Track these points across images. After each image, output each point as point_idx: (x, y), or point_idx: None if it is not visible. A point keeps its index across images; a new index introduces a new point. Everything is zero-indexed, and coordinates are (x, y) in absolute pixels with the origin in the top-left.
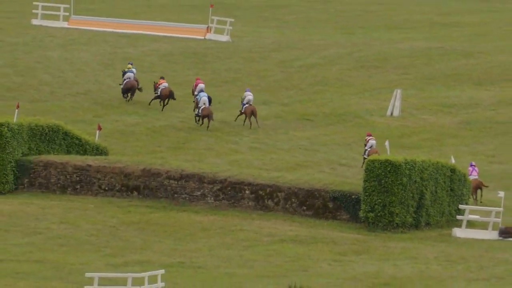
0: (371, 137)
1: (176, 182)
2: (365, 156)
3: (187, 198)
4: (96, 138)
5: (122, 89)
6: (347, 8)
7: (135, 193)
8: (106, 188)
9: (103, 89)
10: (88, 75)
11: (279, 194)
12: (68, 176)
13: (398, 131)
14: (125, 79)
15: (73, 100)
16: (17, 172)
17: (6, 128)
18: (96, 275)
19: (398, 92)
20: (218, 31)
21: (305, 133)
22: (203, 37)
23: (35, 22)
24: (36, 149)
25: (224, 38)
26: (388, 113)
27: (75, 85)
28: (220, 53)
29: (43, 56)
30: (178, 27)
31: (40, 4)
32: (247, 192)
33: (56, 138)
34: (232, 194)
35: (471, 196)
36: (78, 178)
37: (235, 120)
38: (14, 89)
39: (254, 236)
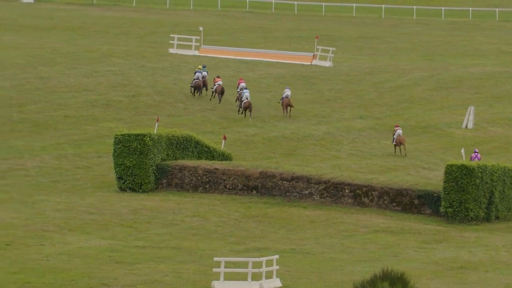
0: (398, 128)
1: (288, 183)
2: (394, 143)
3: (297, 196)
4: (222, 146)
5: (191, 86)
6: (428, 39)
7: (254, 191)
8: (230, 188)
9: (228, 106)
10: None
11: (373, 192)
12: (199, 178)
13: (472, 141)
14: (194, 79)
15: (202, 115)
16: (157, 174)
17: (148, 138)
18: (222, 259)
19: (471, 109)
20: (322, 58)
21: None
22: (309, 63)
23: (171, 51)
24: (173, 155)
25: (327, 63)
26: (463, 125)
27: (204, 103)
28: (324, 76)
29: (178, 79)
30: (289, 55)
31: (176, 36)
32: (346, 191)
33: (189, 146)
34: (334, 192)
35: None
36: (207, 179)
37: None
38: (154, 106)
39: (353, 228)
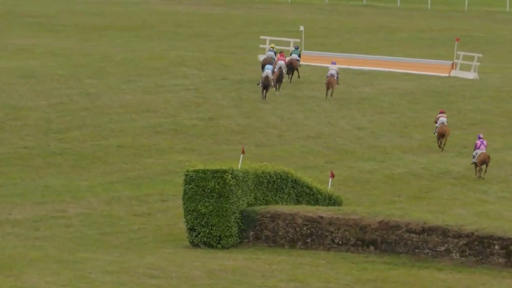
0: (443, 114)
1: (417, 236)
2: (436, 133)
3: (429, 253)
4: (329, 187)
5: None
6: None
7: (372, 247)
8: (340, 242)
9: (337, 132)
10: (320, 116)
11: None
12: (297, 229)
13: None
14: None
15: (302, 144)
16: (241, 224)
17: (230, 176)
18: None
19: None
20: (464, 68)
21: None
22: (447, 74)
23: (261, 58)
24: (263, 199)
25: (471, 75)
26: None
27: (305, 128)
28: (466, 91)
29: (270, 95)
30: (420, 63)
31: (268, 38)
32: (496, 247)
33: (284, 187)
34: (480, 249)
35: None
36: (308, 231)
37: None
38: (238, 132)
39: None
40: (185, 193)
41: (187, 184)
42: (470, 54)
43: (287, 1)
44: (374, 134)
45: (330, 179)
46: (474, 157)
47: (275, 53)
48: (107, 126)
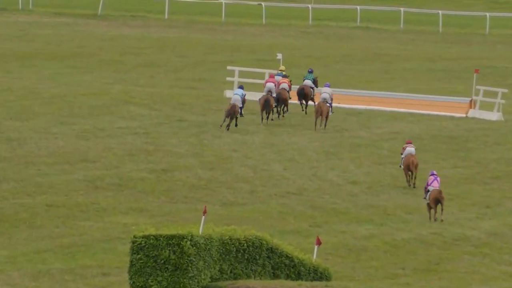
0: (410, 144)
1: None
2: (402, 166)
3: None
4: (314, 256)
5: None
6: None
7: None
8: None
9: (324, 188)
10: (303, 167)
11: None
12: None
13: None
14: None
15: (281, 202)
16: None
17: (188, 243)
18: None
19: None
20: (485, 106)
21: None
22: (464, 115)
23: (228, 94)
24: (231, 272)
25: (494, 115)
26: None
27: (284, 182)
28: (488, 136)
29: (239, 141)
30: (429, 101)
31: (237, 69)
32: None
33: (258, 257)
34: None
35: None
36: None
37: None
38: (200, 187)
39: None
40: (131, 265)
41: (135, 253)
42: (492, 89)
43: (261, 22)
44: (371, 190)
45: (316, 247)
46: (425, 196)
47: (287, 77)
48: (33, 180)
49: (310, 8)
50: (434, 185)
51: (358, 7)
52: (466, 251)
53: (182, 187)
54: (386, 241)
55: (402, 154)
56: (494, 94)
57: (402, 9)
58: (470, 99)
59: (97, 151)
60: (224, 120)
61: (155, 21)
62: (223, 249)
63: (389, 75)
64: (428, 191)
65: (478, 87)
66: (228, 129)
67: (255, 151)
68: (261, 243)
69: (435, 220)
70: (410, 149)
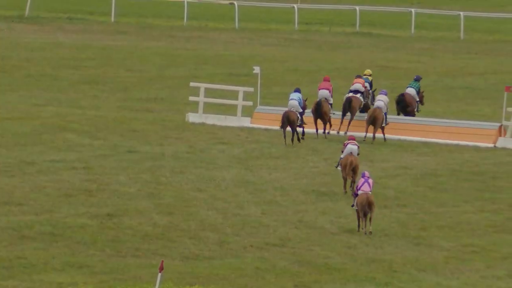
0: (352, 141)
1: None
2: (338, 166)
3: None
4: None
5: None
6: None
7: None
8: None
9: (314, 237)
10: (286, 211)
11: None
12: None
13: None
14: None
15: (259, 256)
16: None
17: None
18: None
19: None
20: None
21: None
22: (491, 145)
23: (192, 118)
24: None
25: None
26: None
27: (263, 230)
28: None
29: (206, 178)
30: (447, 127)
31: (203, 85)
32: None
33: None
34: None
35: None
36: None
37: None
38: (155, 237)
39: None
40: None
41: None
42: None
43: (234, 26)
44: (374, 241)
45: None
46: (354, 203)
47: (371, 84)
48: None
49: (296, 8)
50: (365, 189)
51: (358, 8)
52: None
53: (133, 236)
54: None
55: (342, 152)
56: None
57: (413, 10)
58: (499, 124)
59: (25, 191)
60: (284, 136)
61: (99, 25)
62: None
63: (397, 94)
64: (356, 195)
65: (510, 109)
66: (292, 143)
67: (226, 190)
68: None
69: (365, 233)
70: (352, 147)
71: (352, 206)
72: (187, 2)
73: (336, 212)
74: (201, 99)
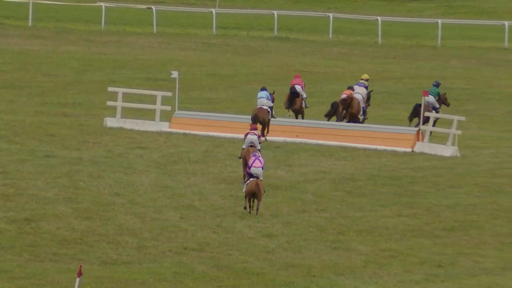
0: (253, 131)
1: None
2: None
3: None
4: None
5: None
6: None
7: None
8: None
9: (231, 242)
10: (204, 216)
11: None
12: None
13: None
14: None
15: (177, 260)
16: None
17: None
18: None
19: None
20: (437, 138)
21: None
22: (409, 149)
23: (110, 122)
24: None
25: (448, 150)
26: None
27: (182, 234)
28: (440, 177)
29: (124, 183)
30: (365, 132)
31: (120, 90)
32: None
33: None
34: None
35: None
36: None
37: None
38: (73, 241)
39: None
40: None
41: None
42: (446, 116)
43: (152, 31)
44: (292, 245)
45: None
46: (245, 181)
47: (366, 87)
48: None
49: (214, 13)
50: (256, 165)
51: (276, 12)
52: None
53: (51, 241)
54: None
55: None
56: (448, 123)
57: (331, 14)
58: (417, 129)
59: None
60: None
61: (15, 29)
62: None
63: (316, 99)
64: (250, 174)
65: (428, 113)
66: (265, 139)
67: (144, 195)
68: None
69: (250, 213)
70: (252, 137)
71: (244, 183)
72: (105, 6)
73: (254, 217)
74: (119, 103)
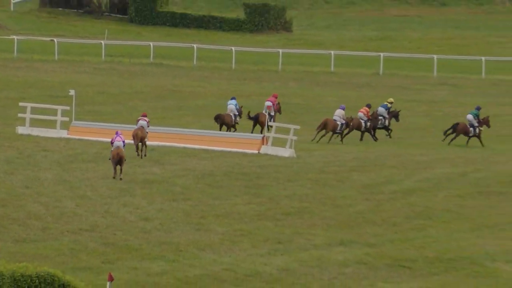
0: (143, 118)
1: None
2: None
3: None
4: None
5: None
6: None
7: None
8: None
9: (117, 224)
10: (95, 204)
11: None
12: None
13: None
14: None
15: (73, 239)
16: None
17: None
18: None
19: None
20: (278, 143)
21: (400, 286)
22: (256, 151)
23: (21, 130)
24: None
25: (286, 152)
26: None
27: (76, 219)
28: (280, 173)
29: (32, 178)
30: (221, 137)
31: (29, 105)
32: None
33: None
34: None
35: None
36: None
37: None
38: None
39: None
40: None
41: None
42: (285, 125)
43: (54, 58)
44: (164, 227)
45: (109, 283)
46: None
47: (389, 109)
48: None
49: (103, 44)
50: (118, 140)
51: (152, 44)
52: (258, 287)
53: None
54: (179, 278)
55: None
56: (286, 131)
57: (195, 45)
58: (262, 135)
59: None
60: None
61: None
62: (15, 286)
63: (183, 112)
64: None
65: (270, 123)
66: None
67: (48, 188)
68: (53, 279)
69: (120, 178)
70: (142, 122)
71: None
72: (17, 39)
73: (134, 205)
74: (28, 115)
